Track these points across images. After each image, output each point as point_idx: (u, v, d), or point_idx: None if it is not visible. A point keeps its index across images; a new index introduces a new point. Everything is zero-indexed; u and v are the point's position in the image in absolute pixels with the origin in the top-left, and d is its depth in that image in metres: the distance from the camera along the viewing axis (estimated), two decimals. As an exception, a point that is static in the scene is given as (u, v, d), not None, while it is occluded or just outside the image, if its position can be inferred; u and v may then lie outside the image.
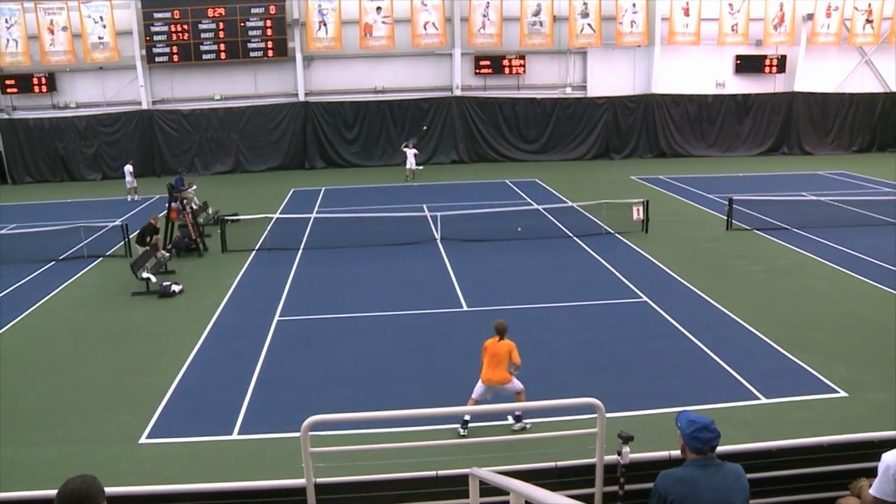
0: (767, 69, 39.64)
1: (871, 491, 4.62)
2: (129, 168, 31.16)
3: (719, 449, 4.69)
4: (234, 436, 10.68)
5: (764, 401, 11.30)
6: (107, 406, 11.75)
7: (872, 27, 39.07)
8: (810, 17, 38.60)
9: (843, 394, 11.47)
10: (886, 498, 4.53)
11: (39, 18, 35.13)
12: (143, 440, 10.60)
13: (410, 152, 32.98)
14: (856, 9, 38.77)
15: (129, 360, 13.65)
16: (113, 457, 10.12)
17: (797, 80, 39.62)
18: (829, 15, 38.73)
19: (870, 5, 38.72)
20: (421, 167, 33.88)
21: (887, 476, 4.49)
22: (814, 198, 26.79)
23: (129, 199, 30.39)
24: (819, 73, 39.74)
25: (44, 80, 36.00)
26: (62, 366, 13.43)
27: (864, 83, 40.45)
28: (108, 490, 3.73)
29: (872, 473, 4.63)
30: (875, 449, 4.86)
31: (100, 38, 35.67)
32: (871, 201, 25.38)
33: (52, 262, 20.48)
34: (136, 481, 8.09)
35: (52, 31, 35.38)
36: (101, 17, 35.50)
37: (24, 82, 35.94)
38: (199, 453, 10.22)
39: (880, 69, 40.28)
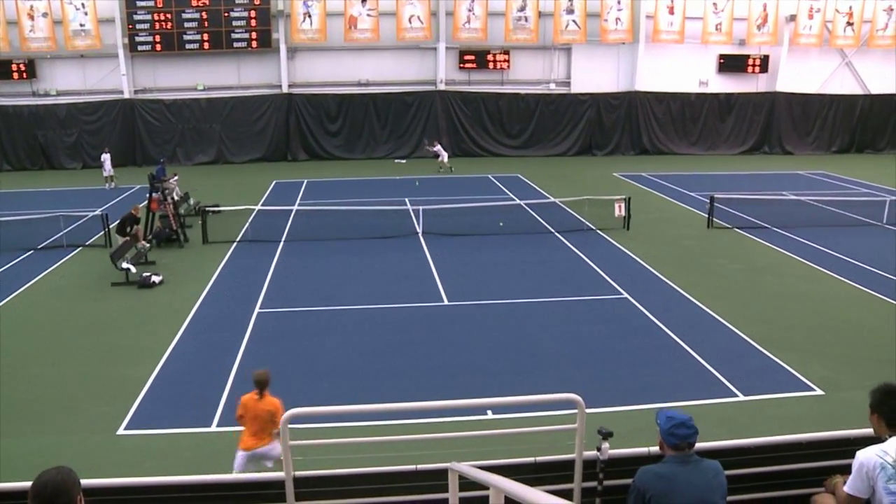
0: (750, 69, 39.84)
1: (846, 488, 4.66)
2: (106, 156, 30.95)
3: (697, 446, 4.72)
4: (213, 428, 10.64)
5: (742, 398, 11.40)
6: (84, 397, 11.65)
7: (853, 29, 39.37)
8: (793, 17, 38.85)
9: (819, 392, 11.60)
10: (859, 495, 4.57)
11: (18, 4, 34.59)
12: (121, 431, 10.52)
13: (439, 148, 34.49)
14: (837, 11, 39.05)
15: (107, 350, 13.54)
16: (90, 448, 10.05)
17: (779, 81, 39.88)
18: (811, 16, 39.03)
19: (850, 8, 39.01)
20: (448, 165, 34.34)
21: (861, 473, 4.53)
22: (794, 197, 26.99)
23: (107, 188, 30.19)
24: (801, 73, 40.02)
25: (23, 67, 35.51)
26: (39, 356, 13.30)
27: (844, 85, 40.78)
28: (85, 482, 3.68)
29: (848, 470, 4.67)
30: (850, 446, 4.89)
31: (81, 24, 35.26)
32: (850, 202, 25.60)
33: (31, 251, 20.26)
34: (113, 473, 7.98)
35: (31, 17, 34.88)
36: (83, 4, 35.06)
37: (2, 69, 35.41)
38: (177, 445, 10.17)
39: (860, 71, 40.63)
